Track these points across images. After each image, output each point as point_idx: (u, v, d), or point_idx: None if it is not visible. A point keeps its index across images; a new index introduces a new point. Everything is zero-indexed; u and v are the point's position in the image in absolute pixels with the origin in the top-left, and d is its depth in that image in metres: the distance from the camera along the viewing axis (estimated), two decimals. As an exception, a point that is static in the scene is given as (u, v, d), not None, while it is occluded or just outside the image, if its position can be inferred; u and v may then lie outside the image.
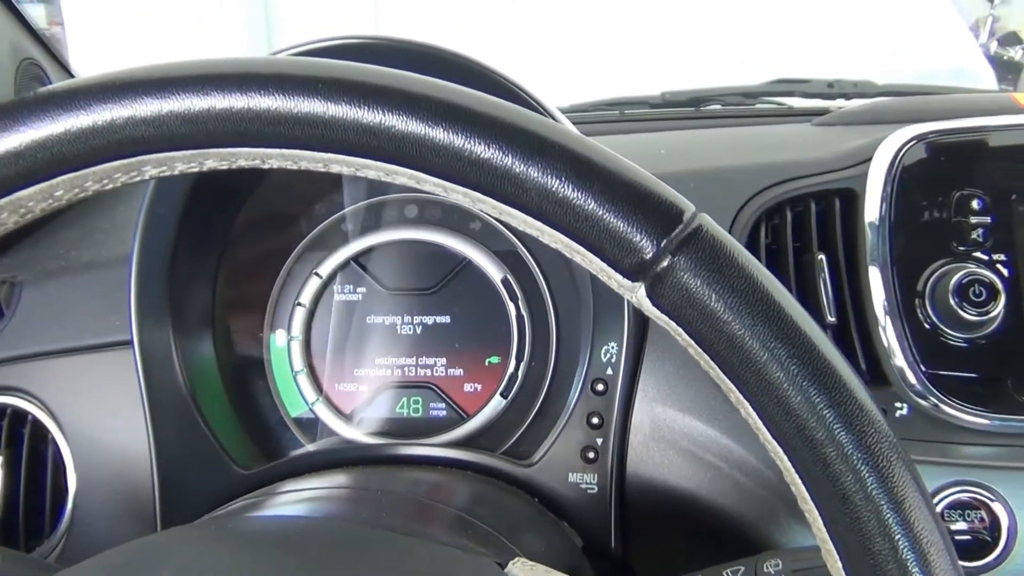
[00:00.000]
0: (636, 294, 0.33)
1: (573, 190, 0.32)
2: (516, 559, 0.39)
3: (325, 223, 0.77)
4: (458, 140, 0.33)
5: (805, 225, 0.68)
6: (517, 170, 0.32)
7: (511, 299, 0.75)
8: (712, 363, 0.33)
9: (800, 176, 0.69)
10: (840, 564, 0.32)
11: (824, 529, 0.32)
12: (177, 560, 0.37)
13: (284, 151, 0.34)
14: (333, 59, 0.60)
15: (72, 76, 0.99)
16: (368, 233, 0.77)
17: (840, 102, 1.15)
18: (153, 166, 0.36)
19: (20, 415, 0.74)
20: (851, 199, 0.68)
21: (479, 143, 0.33)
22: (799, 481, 0.33)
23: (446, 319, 0.76)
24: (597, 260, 0.33)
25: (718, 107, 1.18)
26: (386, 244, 0.76)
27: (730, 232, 0.68)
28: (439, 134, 0.33)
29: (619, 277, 0.33)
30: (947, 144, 0.66)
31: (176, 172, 0.36)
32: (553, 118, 0.64)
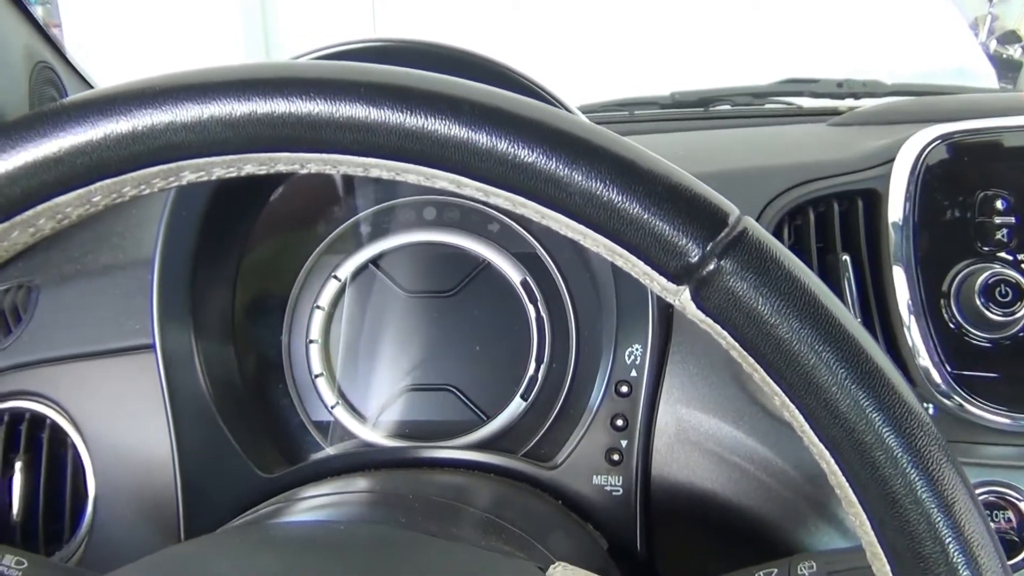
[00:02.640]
0: (680, 297, 0.33)
1: (618, 194, 0.32)
2: (557, 564, 0.38)
3: (343, 226, 0.77)
4: (502, 144, 0.32)
5: (828, 226, 0.68)
6: (561, 174, 0.32)
7: (530, 301, 0.74)
8: (757, 366, 0.33)
9: (823, 177, 0.69)
10: (888, 568, 0.32)
11: (872, 532, 0.32)
12: (216, 568, 0.37)
13: (324, 155, 0.34)
14: (365, 59, 0.60)
15: (84, 79, 0.99)
16: (386, 236, 0.76)
17: (849, 101, 1.15)
18: (192, 171, 0.35)
19: (39, 419, 0.74)
20: (874, 200, 0.68)
21: (523, 147, 0.32)
22: (846, 484, 0.33)
23: (465, 321, 0.76)
24: (641, 264, 0.33)
25: (728, 107, 1.18)
26: (404, 247, 0.76)
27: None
28: (482, 138, 0.33)
29: (663, 280, 0.33)
30: (970, 144, 0.66)
31: (214, 177, 0.36)
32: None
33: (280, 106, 0.33)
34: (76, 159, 0.34)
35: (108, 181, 0.35)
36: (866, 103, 1.11)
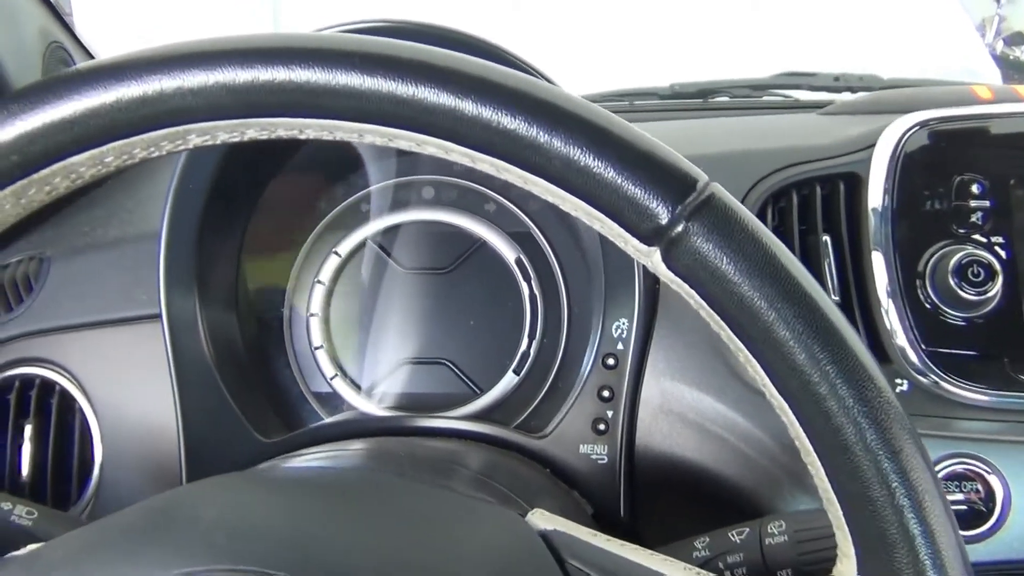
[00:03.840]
0: (652, 258, 0.35)
1: (593, 159, 0.34)
2: (535, 510, 0.41)
3: (344, 203, 0.79)
4: (487, 112, 0.35)
5: (810, 208, 0.71)
6: (542, 140, 0.35)
7: (524, 279, 0.77)
8: (722, 323, 0.35)
9: (806, 161, 0.72)
10: (840, 512, 0.35)
11: (826, 479, 0.35)
12: (213, 504, 0.40)
13: (321, 121, 0.37)
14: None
15: (94, 58, 1.02)
16: (385, 214, 0.79)
17: (846, 95, 1.17)
18: (197, 135, 0.38)
19: (48, 386, 0.76)
20: (855, 183, 0.70)
21: (506, 114, 0.35)
22: (803, 434, 0.35)
23: (461, 298, 0.78)
24: (615, 226, 0.35)
25: (726, 99, 1.20)
26: (403, 224, 0.79)
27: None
28: (468, 106, 0.35)
29: (636, 242, 0.35)
30: (948, 131, 0.69)
31: (218, 141, 0.39)
32: None
33: (280, 74, 0.35)
34: (90, 120, 0.36)
35: (119, 142, 0.37)
36: (861, 96, 1.13)
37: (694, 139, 0.86)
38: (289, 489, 0.41)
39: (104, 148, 0.37)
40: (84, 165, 0.38)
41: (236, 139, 0.39)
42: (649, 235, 0.34)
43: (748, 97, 1.20)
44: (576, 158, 0.34)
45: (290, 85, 0.35)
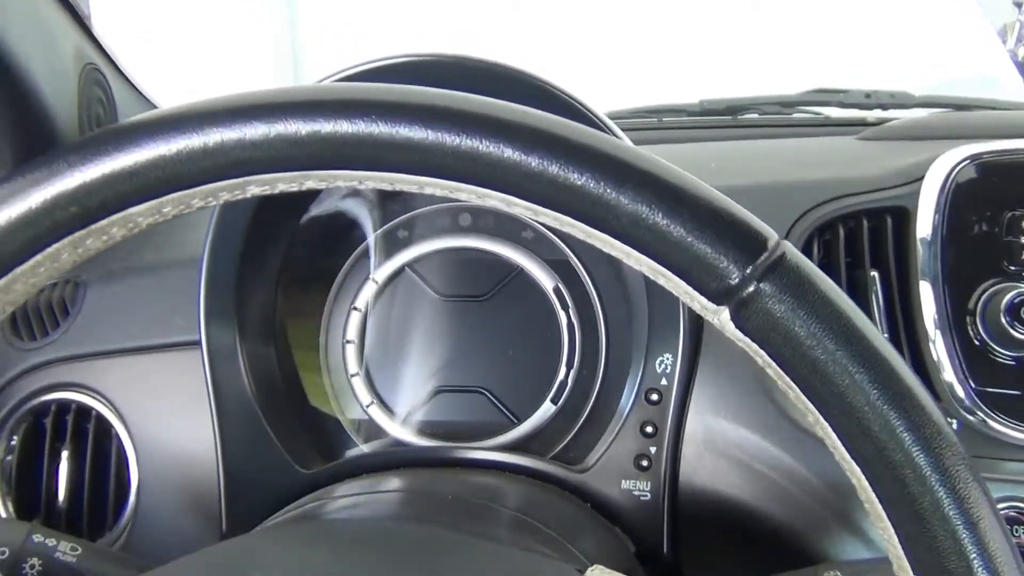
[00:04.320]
0: (720, 317, 0.34)
1: (663, 217, 0.34)
2: (594, 567, 0.40)
3: (382, 230, 0.79)
4: (552, 168, 0.34)
5: (857, 242, 0.70)
6: (609, 197, 0.34)
7: (562, 307, 0.76)
8: (793, 384, 0.34)
9: (852, 193, 0.71)
10: (914, 580, 0.34)
11: (900, 547, 0.34)
12: (263, 563, 0.39)
13: (382, 174, 0.36)
14: (403, 75, 0.62)
15: (129, 81, 1.02)
16: (422, 240, 0.79)
17: (878, 112, 1.16)
18: (257, 186, 0.37)
19: (84, 411, 0.76)
20: (903, 216, 0.69)
21: (572, 171, 0.34)
22: (876, 500, 0.34)
23: (498, 325, 0.77)
24: (683, 284, 0.35)
25: (755, 116, 1.19)
26: (440, 251, 0.78)
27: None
28: (534, 161, 0.34)
29: (703, 300, 0.34)
30: (1000, 164, 0.67)
31: (277, 191, 0.38)
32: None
33: (343, 127, 0.35)
34: (150, 173, 0.36)
35: (179, 193, 0.37)
36: (894, 114, 1.11)
37: (731, 166, 0.85)
38: (337, 549, 0.40)
39: (164, 199, 0.37)
40: (143, 215, 0.38)
41: (295, 188, 0.38)
42: (718, 294, 0.34)
43: (778, 114, 1.19)
44: (644, 216, 0.34)
45: (353, 139, 0.35)
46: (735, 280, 0.33)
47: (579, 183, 0.34)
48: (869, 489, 0.34)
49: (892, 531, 0.34)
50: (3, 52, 0.78)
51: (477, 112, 0.35)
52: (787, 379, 0.34)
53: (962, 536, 0.32)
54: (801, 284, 0.33)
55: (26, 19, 0.82)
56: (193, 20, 3.27)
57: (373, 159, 0.36)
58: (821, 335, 0.33)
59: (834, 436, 0.34)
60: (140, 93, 1.05)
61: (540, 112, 0.36)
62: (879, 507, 0.34)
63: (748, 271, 0.33)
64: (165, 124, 0.36)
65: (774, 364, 0.34)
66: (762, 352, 0.34)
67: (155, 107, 1.07)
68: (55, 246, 0.37)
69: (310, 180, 0.38)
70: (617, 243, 0.35)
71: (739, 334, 0.34)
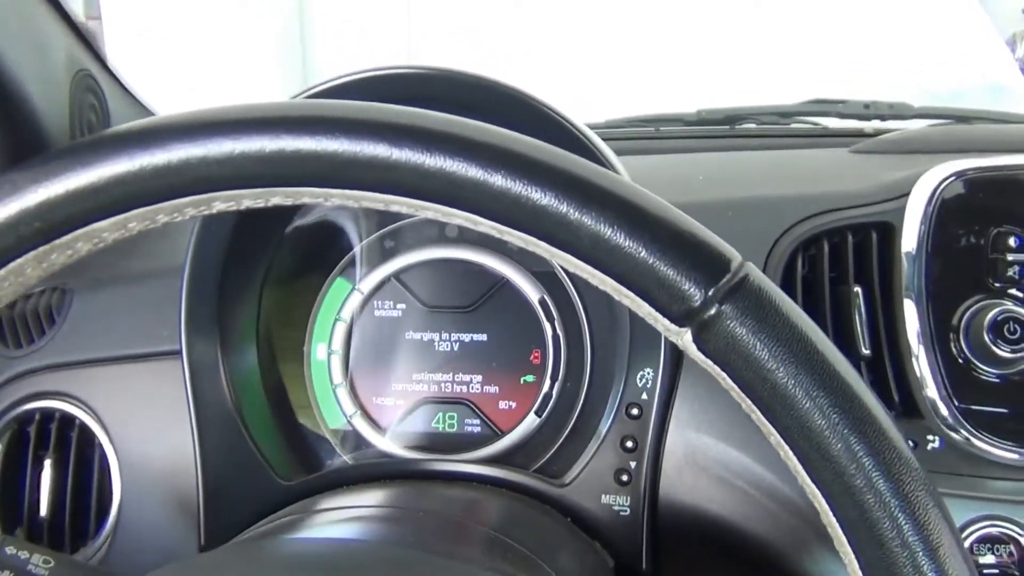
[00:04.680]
0: (682, 338, 0.34)
1: (625, 239, 0.33)
2: None
3: (367, 240, 0.79)
4: (515, 187, 0.34)
5: (842, 257, 0.69)
6: (571, 218, 0.34)
7: (547, 319, 0.76)
8: (754, 407, 0.34)
9: (838, 208, 0.70)
10: (875, 609, 0.33)
11: (860, 572, 0.33)
12: None
13: (347, 191, 0.36)
14: (390, 88, 0.61)
15: (124, 88, 1.02)
16: (408, 251, 0.78)
17: (876, 123, 1.15)
18: (223, 201, 0.37)
19: (68, 419, 0.76)
20: (888, 232, 0.69)
21: (535, 191, 0.34)
22: (836, 524, 0.34)
23: (483, 337, 0.77)
24: (646, 305, 0.34)
25: (753, 126, 1.18)
26: (426, 262, 0.78)
27: (766, 262, 0.69)
28: (497, 180, 0.34)
29: (666, 322, 0.34)
30: (986, 180, 0.67)
31: (243, 207, 0.38)
32: (604, 156, 0.66)
33: (307, 144, 0.35)
34: (114, 189, 0.36)
35: (143, 209, 0.37)
36: (892, 125, 1.11)
37: (722, 178, 0.85)
38: (301, 570, 0.40)
39: (128, 214, 0.37)
40: (107, 230, 0.38)
41: (261, 205, 0.38)
42: (680, 316, 0.34)
43: (776, 124, 1.18)
44: (606, 237, 0.34)
45: (316, 156, 0.35)
46: (697, 302, 0.33)
47: (541, 203, 0.34)
48: (830, 513, 0.34)
49: (852, 556, 0.33)
50: (-6, 59, 0.78)
51: (441, 130, 0.35)
52: (748, 402, 0.34)
53: (922, 562, 0.32)
54: (762, 306, 0.33)
55: (16, 24, 0.82)
56: (197, 17, 3.28)
57: (337, 177, 0.36)
58: (782, 358, 0.33)
59: (795, 460, 0.34)
60: (135, 98, 1.05)
61: (504, 131, 0.35)
62: (840, 532, 0.34)
63: (710, 293, 0.33)
64: (130, 139, 0.36)
65: (736, 387, 0.34)
66: (724, 375, 0.34)
67: (150, 113, 1.07)
68: (18, 261, 0.37)
69: (276, 196, 0.38)
70: (581, 264, 0.35)
71: (701, 356, 0.34)
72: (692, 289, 0.33)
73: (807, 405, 0.32)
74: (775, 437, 0.34)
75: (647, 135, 1.18)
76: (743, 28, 2.99)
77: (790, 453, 0.34)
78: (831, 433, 0.32)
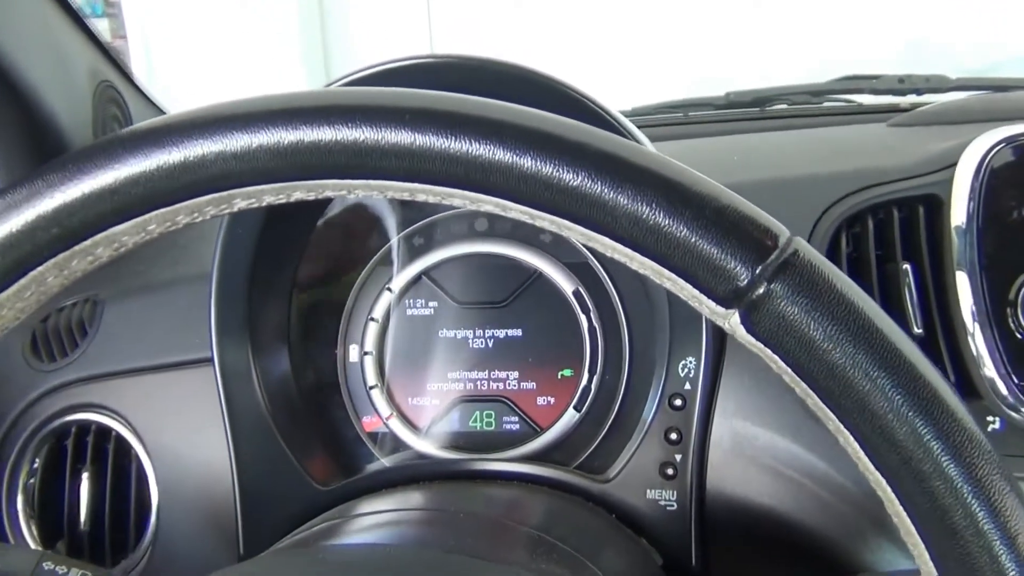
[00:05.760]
0: (730, 321, 0.32)
1: (665, 216, 0.31)
2: None
3: (396, 238, 0.78)
4: (546, 168, 0.32)
5: (888, 233, 0.67)
6: (607, 197, 0.32)
7: (583, 311, 0.74)
8: (810, 391, 0.32)
9: (881, 183, 0.67)
10: (946, 596, 0.31)
11: (931, 563, 0.31)
12: None
13: (371, 182, 0.35)
14: (412, 77, 0.60)
15: (146, 97, 1.02)
16: (439, 247, 0.77)
17: (912, 98, 1.12)
18: (243, 199, 0.36)
19: (104, 432, 0.76)
20: (936, 205, 0.66)
21: (567, 171, 0.32)
22: (903, 513, 0.32)
23: (518, 332, 0.76)
24: (689, 287, 0.32)
25: (784, 107, 1.15)
26: (457, 258, 0.77)
27: (809, 242, 0.66)
28: (526, 162, 0.32)
29: (712, 304, 0.32)
30: (1037, 146, 0.64)
31: (264, 203, 0.37)
32: (635, 139, 0.64)
33: (326, 134, 0.33)
34: (130, 190, 0.34)
35: (162, 210, 0.36)
36: (929, 99, 1.07)
37: (755, 159, 0.82)
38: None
39: (147, 216, 0.36)
40: (127, 234, 0.37)
41: (283, 200, 0.37)
42: (727, 297, 0.32)
43: (808, 104, 1.15)
44: (644, 216, 0.32)
45: (337, 147, 0.33)
46: (744, 282, 0.31)
47: (574, 183, 0.32)
48: (896, 502, 0.32)
49: (923, 546, 0.31)
50: (17, 74, 0.78)
51: (465, 113, 0.33)
52: (804, 385, 0.32)
53: (999, 552, 0.29)
54: (815, 283, 0.31)
55: (39, 40, 0.83)
56: (216, 23, 3.30)
57: (360, 167, 0.34)
58: (838, 337, 0.30)
59: (856, 446, 0.32)
60: (158, 108, 1.05)
61: (531, 110, 0.34)
62: (908, 521, 0.32)
63: (758, 271, 0.31)
64: (143, 138, 0.35)
65: (789, 370, 0.32)
66: (776, 358, 0.32)
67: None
68: (39, 269, 0.36)
69: (298, 191, 0.36)
70: (618, 246, 0.33)
71: (751, 339, 0.32)
72: (739, 267, 0.31)
73: (868, 387, 0.30)
74: (833, 423, 0.32)
75: (676, 120, 1.15)
76: (763, 11, 2.95)
77: (851, 439, 0.32)
78: (895, 416, 0.30)
